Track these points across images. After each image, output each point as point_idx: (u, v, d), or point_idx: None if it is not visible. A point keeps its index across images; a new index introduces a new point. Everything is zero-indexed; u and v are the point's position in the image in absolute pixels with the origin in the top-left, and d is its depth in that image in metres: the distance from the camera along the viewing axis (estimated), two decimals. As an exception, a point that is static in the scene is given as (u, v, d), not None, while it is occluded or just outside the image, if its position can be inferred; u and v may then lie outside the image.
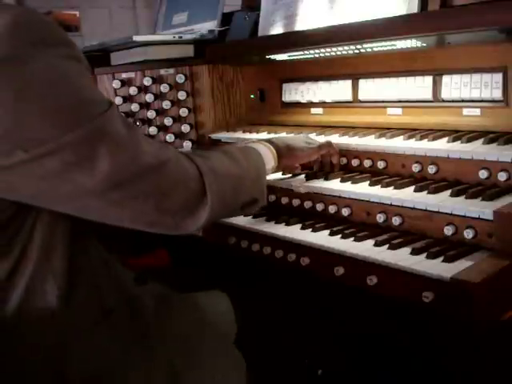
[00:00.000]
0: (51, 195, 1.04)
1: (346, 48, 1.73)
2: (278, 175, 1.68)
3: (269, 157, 1.48)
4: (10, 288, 1.07)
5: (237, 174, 1.28)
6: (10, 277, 1.07)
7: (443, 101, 1.66)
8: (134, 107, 2.28)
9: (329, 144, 1.66)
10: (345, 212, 1.53)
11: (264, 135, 1.97)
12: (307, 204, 1.62)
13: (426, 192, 1.39)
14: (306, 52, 1.88)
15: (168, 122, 2.22)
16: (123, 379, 1.17)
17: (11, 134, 0.96)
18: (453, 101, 1.63)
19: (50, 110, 0.98)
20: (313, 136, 1.82)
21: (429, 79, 1.68)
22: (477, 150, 1.38)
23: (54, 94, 0.99)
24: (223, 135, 2.15)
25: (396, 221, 1.41)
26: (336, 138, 1.75)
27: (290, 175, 1.71)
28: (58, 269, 1.11)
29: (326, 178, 1.62)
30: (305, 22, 1.90)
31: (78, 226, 1.13)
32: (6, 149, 0.96)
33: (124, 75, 2.31)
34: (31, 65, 0.97)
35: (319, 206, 1.58)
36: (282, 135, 1.89)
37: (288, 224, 1.57)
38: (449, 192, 1.35)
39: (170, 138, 2.21)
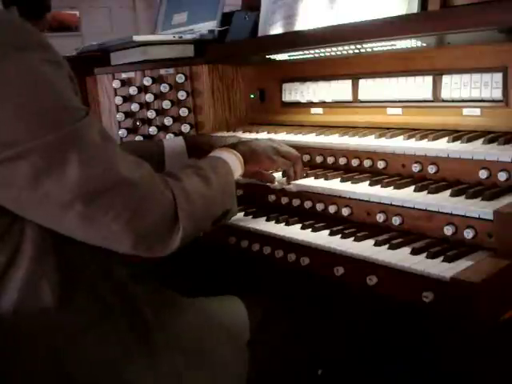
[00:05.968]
0: (21, 202, 1.01)
1: (345, 48, 1.74)
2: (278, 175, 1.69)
3: (236, 164, 1.45)
4: (1, 289, 1.06)
5: (208, 193, 1.25)
6: (1, 278, 1.06)
7: (443, 101, 1.66)
8: (134, 107, 2.29)
9: (289, 152, 1.62)
10: (345, 212, 1.53)
11: (264, 135, 1.97)
12: (307, 204, 1.62)
13: (426, 192, 1.39)
14: (305, 52, 1.88)
15: (168, 121, 2.22)
16: (126, 379, 1.16)
17: None
18: (453, 101, 1.63)
19: (23, 112, 0.97)
20: (313, 136, 1.82)
21: (429, 79, 1.68)
22: (477, 149, 1.38)
23: (28, 96, 0.97)
24: (223, 135, 2.15)
25: (396, 221, 1.41)
26: (336, 138, 1.75)
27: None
28: (52, 269, 1.10)
29: (326, 178, 1.62)
30: (305, 21, 1.90)
31: None
32: None
33: (124, 75, 2.32)
34: (6, 65, 0.96)
35: (319, 206, 1.58)
36: (282, 135, 1.90)
37: (288, 224, 1.57)
38: (449, 192, 1.35)
39: (169, 137, 2.21)
